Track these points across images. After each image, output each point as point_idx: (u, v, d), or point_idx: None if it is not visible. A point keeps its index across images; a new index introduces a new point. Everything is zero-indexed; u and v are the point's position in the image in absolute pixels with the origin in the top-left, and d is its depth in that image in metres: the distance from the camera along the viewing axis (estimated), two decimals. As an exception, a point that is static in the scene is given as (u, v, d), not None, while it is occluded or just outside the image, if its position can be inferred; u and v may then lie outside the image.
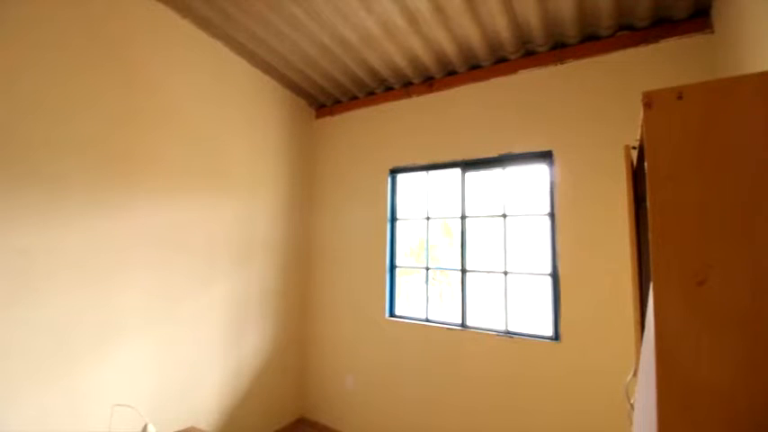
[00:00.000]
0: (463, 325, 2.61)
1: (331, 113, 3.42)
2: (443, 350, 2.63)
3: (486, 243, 2.83)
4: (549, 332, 2.33)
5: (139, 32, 2.23)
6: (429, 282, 2.91)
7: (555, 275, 2.32)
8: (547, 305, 2.37)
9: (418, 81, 2.91)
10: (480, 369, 2.48)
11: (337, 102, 3.37)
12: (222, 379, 2.64)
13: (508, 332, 2.43)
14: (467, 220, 2.69)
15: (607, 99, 2.24)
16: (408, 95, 2.97)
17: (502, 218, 2.54)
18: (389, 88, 3.06)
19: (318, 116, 3.52)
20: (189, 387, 2.43)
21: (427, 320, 2.78)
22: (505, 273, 2.49)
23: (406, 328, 2.82)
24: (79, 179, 1.95)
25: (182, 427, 2.22)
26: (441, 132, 2.82)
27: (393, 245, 3.03)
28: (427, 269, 2.90)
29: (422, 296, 2.94)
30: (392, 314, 2.96)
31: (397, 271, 3.03)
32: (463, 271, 2.65)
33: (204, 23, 2.50)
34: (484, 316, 2.72)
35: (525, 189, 2.61)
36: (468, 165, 2.71)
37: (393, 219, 3.05)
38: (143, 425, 1.87)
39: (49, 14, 1.86)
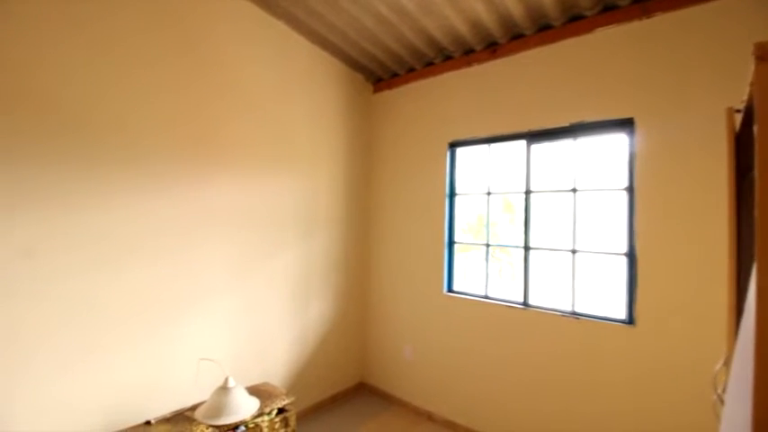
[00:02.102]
0: (525, 303, 2.53)
1: (389, 87, 3.37)
2: (503, 327, 2.59)
3: (552, 220, 2.67)
4: (622, 315, 2.17)
5: (212, 19, 2.34)
6: (489, 259, 2.84)
7: (632, 255, 2.14)
8: (620, 286, 2.20)
9: (480, 48, 2.75)
10: (542, 348, 2.40)
11: (395, 75, 3.31)
12: (290, 342, 2.86)
13: (575, 313, 2.31)
14: (531, 195, 2.55)
15: (700, 58, 1.94)
16: (469, 64, 2.83)
17: (571, 193, 2.37)
18: (449, 57, 2.93)
19: (376, 90, 3.49)
20: (261, 348, 2.67)
21: (486, 297, 2.73)
22: (573, 251, 2.34)
23: (464, 303, 2.81)
24: (164, 158, 2.16)
25: (256, 383, 2.46)
26: (504, 102, 2.66)
27: (452, 221, 2.99)
28: (487, 246, 2.83)
29: (480, 273, 2.89)
30: (450, 290, 2.95)
31: (456, 247, 2.99)
32: (526, 248, 2.54)
33: (267, 5, 2.55)
34: (547, 295, 2.61)
35: (598, 161, 2.40)
36: (534, 136, 2.54)
37: (452, 194, 2.99)
38: (224, 378, 2.10)
39: (136, 5, 2.03)
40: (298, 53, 2.87)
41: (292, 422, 2.21)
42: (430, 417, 2.96)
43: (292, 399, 2.28)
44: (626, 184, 2.18)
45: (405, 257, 3.21)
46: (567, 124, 2.36)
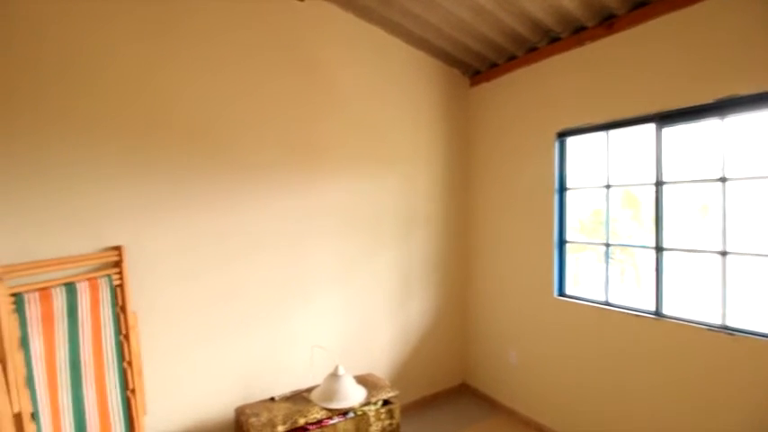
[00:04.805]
0: (657, 313, 2.18)
1: (487, 79, 3.24)
2: (628, 340, 2.27)
3: (691, 215, 2.25)
4: (799, 334, 1.72)
5: (314, 33, 2.56)
6: (609, 260, 2.52)
7: (812, 258, 1.68)
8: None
9: (593, 24, 2.45)
10: (681, 367, 2.04)
11: (493, 65, 3.16)
12: (392, 337, 2.95)
13: (726, 328, 1.91)
14: (664, 186, 2.19)
15: None
16: (580, 43, 2.54)
17: (719, 183, 1.97)
18: (555, 39, 2.68)
19: (473, 84, 3.38)
20: (366, 340, 2.82)
21: (607, 304, 2.43)
22: (723, 253, 1.94)
23: (579, 309, 2.54)
24: (274, 165, 2.43)
25: (361, 373, 2.61)
26: (624, 82, 2.33)
27: (562, 218, 2.73)
28: (607, 245, 2.52)
29: (598, 276, 2.58)
30: (562, 293, 2.71)
31: (567, 247, 2.73)
32: (658, 249, 2.19)
33: (363, 12, 2.68)
34: (686, 304, 2.21)
35: (755, 144, 1.94)
36: (665, 118, 2.17)
37: (562, 189, 2.73)
38: (334, 365, 2.27)
39: (247, 32, 2.32)
40: (394, 56, 2.94)
41: (397, 415, 2.28)
42: (541, 430, 2.76)
43: (397, 392, 2.36)
44: (803, 168, 1.72)
45: (508, 257, 3.05)
46: (711, 100, 1.96)
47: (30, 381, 1.42)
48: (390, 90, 2.94)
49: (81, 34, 1.84)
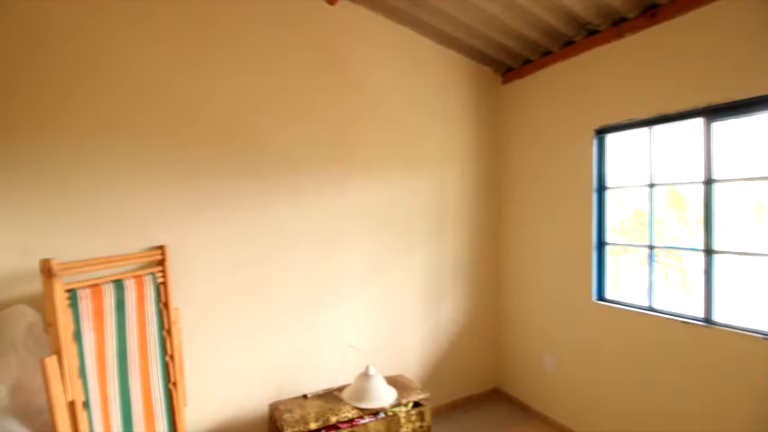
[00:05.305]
0: (707, 320, 2.04)
1: (519, 76, 3.15)
2: (674, 348, 2.14)
3: (744, 215, 2.10)
4: None
5: (344, 35, 2.58)
6: (653, 263, 2.39)
7: None
8: None
9: (634, 14, 2.34)
10: (734, 381, 1.90)
11: (526, 62, 3.07)
12: (423, 339, 2.93)
13: (788, 337, 1.77)
14: (713, 185, 2.05)
15: None
16: (619, 35, 2.43)
17: (779, 179, 1.82)
18: (593, 32, 2.58)
19: (505, 81, 3.31)
20: (397, 341, 2.81)
21: (651, 309, 2.30)
22: (784, 256, 1.79)
23: (620, 315, 2.42)
24: (307, 165, 2.46)
25: (392, 374, 2.60)
26: (669, 75, 2.20)
27: (601, 218, 2.62)
28: (650, 248, 2.39)
29: (640, 280, 2.45)
30: (601, 297, 2.59)
31: (606, 249, 2.61)
32: (708, 252, 2.05)
33: (393, 13, 2.68)
34: (739, 311, 2.06)
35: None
36: (714, 111, 2.03)
37: (600, 188, 2.62)
38: (365, 365, 2.28)
39: (278, 35, 2.38)
40: (423, 56, 2.92)
41: (428, 418, 2.26)
42: (579, 439, 2.66)
43: (428, 394, 2.34)
44: None
45: (543, 259, 2.95)
46: (766, 93, 1.82)
47: (82, 371, 1.51)
48: (421, 90, 2.92)
49: (124, 40, 1.95)
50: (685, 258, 2.96)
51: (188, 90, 2.10)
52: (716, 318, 2.03)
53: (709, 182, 2.06)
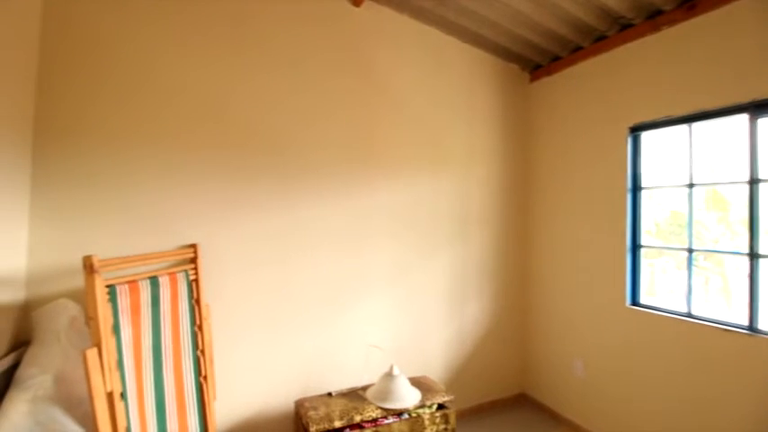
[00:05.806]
0: (752, 328, 1.93)
1: (548, 73, 3.07)
2: (715, 357, 2.03)
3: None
4: None
5: (369, 35, 2.59)
6: (692, 268, 2.27)
7: None
8: None
9: (671, 7, 2.24)
10: (784, 391, 1.78)
11: (555, 58, 2.99)
12: (447, 341, 2.90)
13: None
14: (759, 185, 1.93)
15: None
16: (655, 29, 2.33)
17: (834, 179, 1.69)
18: (626, 26, 2.48)
19: (533, 79, 3.23)
20: (421, 342, 2.79)
21: (689, 316, 2.19)
22: (841, 261, 1.67)
23: (656, 320, 2.32)
24: (332, 165, 2.48)
25: (416, 375, 2.59)
26: (709, 69, 2.09)
27: (636, 220, 2.51)
28: (690, 251, 2.27)
29: (677, 285, 2.34)
30: (635, 302, 2.49)
31: (641, 252, 2.51)
32: (753, 256, 1.93)
33: (418, 13, 2.67)
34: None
35: None
36: (760, 107, 1.91)
37: (635, 188, 2.51)
38: (389, 365, 2.28)
39: (306, 35, 2.41)
40: (449, 55, 2.90)
41: (452, 420, 2.23)
42: (609, 448, 2.56)
43: (452, 396, 2.31)
44: None
45: (574, 262, 2.86)
46: (824, 84, 1.70)
47: (120, 364, 1.58)
48: (446, 90, 2.90)
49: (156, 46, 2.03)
50: (727, 262, 2.80)
51: (216, 88, 2.16)
52: (761, 326, 1.91)
53: (754, 181, 1.94)
